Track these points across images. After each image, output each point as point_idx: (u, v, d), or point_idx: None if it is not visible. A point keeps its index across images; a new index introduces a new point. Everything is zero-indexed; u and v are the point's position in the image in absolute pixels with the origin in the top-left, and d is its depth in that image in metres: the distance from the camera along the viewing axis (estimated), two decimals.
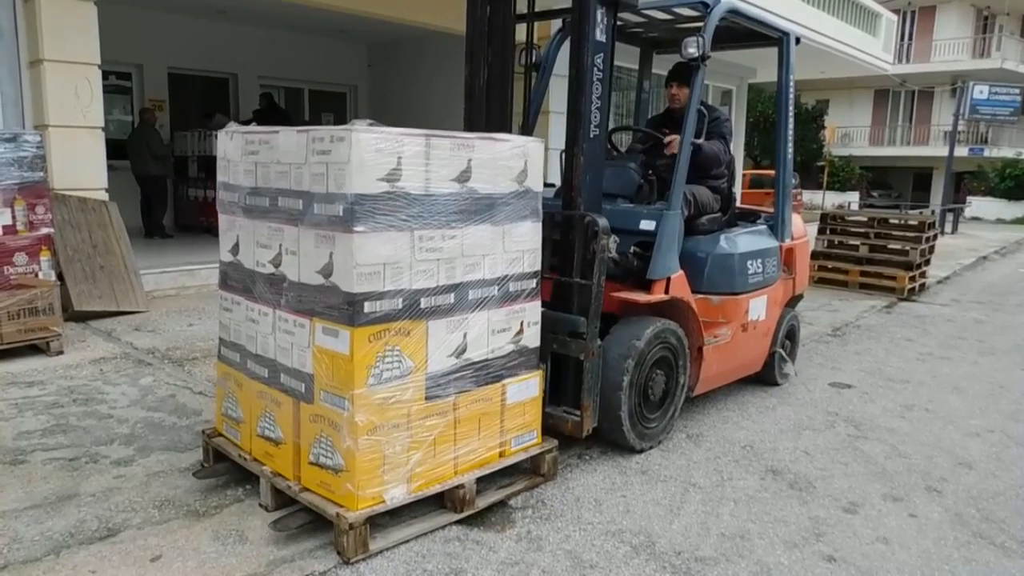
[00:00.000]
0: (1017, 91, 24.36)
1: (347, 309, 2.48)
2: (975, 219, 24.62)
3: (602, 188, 3.57)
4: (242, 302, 2.99)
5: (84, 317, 5.72)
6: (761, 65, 14.34)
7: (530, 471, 3.24)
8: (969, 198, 26.27)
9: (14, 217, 5.08)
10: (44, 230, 5.22)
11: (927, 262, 9.30)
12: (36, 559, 2.52)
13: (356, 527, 2.52)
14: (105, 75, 6.81)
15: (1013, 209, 25.78)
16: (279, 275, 2.77)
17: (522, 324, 3.05)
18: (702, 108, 3.94)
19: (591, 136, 3.42)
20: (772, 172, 5.37)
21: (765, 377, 4.83)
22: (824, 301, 8.18)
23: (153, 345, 5.18)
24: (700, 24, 3.91)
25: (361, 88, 13.43)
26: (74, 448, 3.42)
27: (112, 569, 2.48)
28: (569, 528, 2.89)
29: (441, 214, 2.66)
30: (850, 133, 30.07)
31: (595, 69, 3.39)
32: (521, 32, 3.82)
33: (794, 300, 5.11)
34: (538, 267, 3.10)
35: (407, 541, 2.69)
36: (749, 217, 4.85)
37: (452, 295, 2.74)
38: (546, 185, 3.68)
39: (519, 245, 2.98)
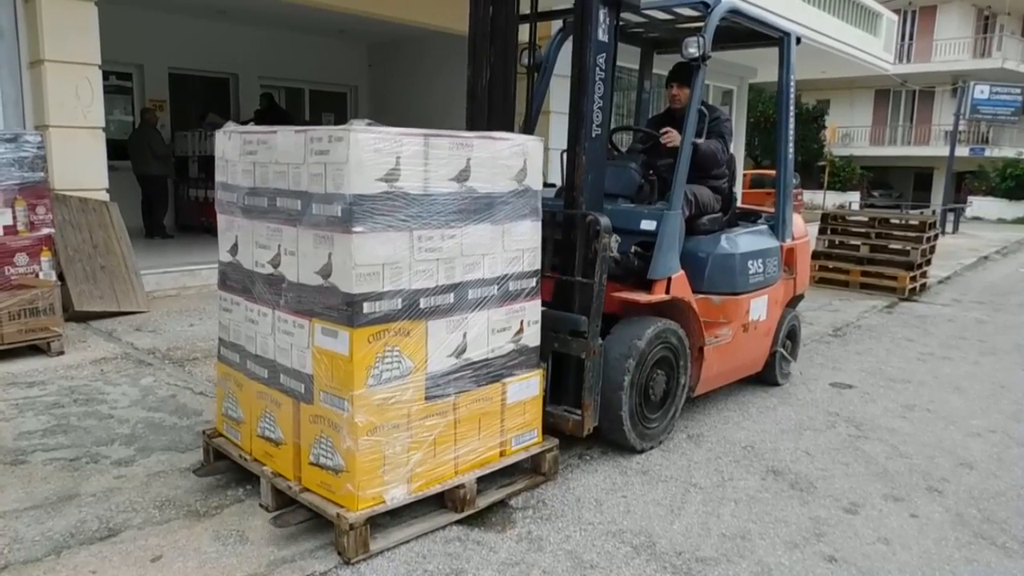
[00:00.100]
0: (1018, 91, 24.35)
1: (346, 310, 2.47)
2: (976, 219, 24.61)
3: (604, 188, 3.57)
4: (241, 302, 2.99)
5: (85, 317, 5.72)
6: (762, 65, 14.34)
7: (531, 470, 3.23)
8: (970, 198, 26.25)
9: (15, 217, 5.08)
10: (45, 230, 5.22)
11: (928, 262, 9.29)
12: (37, 559, 2.52)
13: (356, 527, 2.52)
14: (106, 75, 6.82)
15: (1014, 209, 25.77)
16: (278, 275, 2.76)
17: (522, 323, 3.05)
18: (703, 108, 3.94)
19: (593, 136, 3.42)
20: (773, 172, 5.38)
21: (766, 377, 4.83)
22: (825, 301, 8.17)
23: (154, 345, 5.18)
24: (701, 24, 3.90)
25: (361, 88, 13.43)
26: (75, 448, 3.42)
27: (113, 569, 2.48)
28: (570, 528, 2.89)
29: (440, 214, 2.66)
30: (851, 133, 30.05)
31: (597, 69, 3.39)
32: (522, 32, 3.81)
33: (795, 300, 5.11)
34: (538, 266, 3.10)
35: (407, 541, 2.69)
36: (750, 217, 4.85)
37: (451, 295, 2.74)
38: (547, 185, 3.68)
39: (519, 244, 2.98)
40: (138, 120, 10.33)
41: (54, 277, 5.23)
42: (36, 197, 5.16)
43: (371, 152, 2.43)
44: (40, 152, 5.21)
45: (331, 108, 13.38)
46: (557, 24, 4.53)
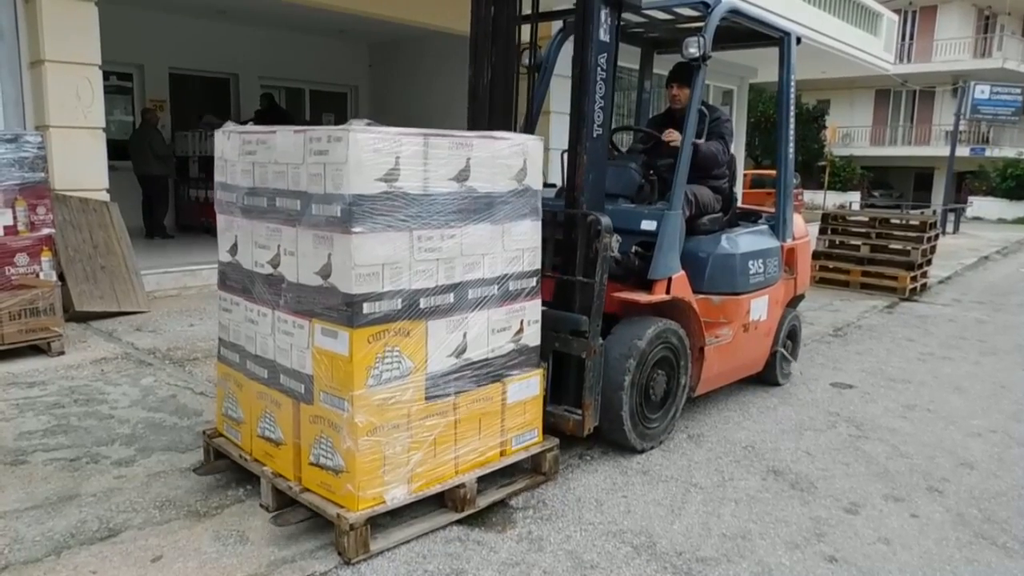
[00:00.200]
0: (1018, 91, 24.34)
1: (346, 310, 2.47)
2: (976, 219, 24.60)
3: (605, 188, 3.57)
4: (241, 303, 2.99)
5: (85, 317, 5.72)
6: (762, 65, 14.34)
7: (531, 470, 3.23)
8: (970, 198, 26.24)
9: (15, 218, 5.08)
10: (45, 231, 5.22)
11: (928, 262, 9.29)
12: (37, 559, 2.52)
13: (357, 528, 2.52)
14: (106, 75, 6.82)
15: (1014, 209, 25.76)
16: (278, 276, 2.76)
17: (522, 323, 3.04)
18: (703, 108, 3.93)
19: (594, 135, 3.42)
20: (773, 172, 5.37)
21: (766, 377, 4.82)
22: (825, 301, 8.17)
23: (154, 345, 5.18)
24: (701, 24, 3.90)
25: (362, 88, 13.43)
26: (75, 448, 3.42)
27: (113, 569, 2.48)
28: (570, 528, 2.89)
29: (440, 214, 2.66)
30: (851, 133, 30.04)
31: (599, 69, 3.39)
32: (523, 32, 3.82)
33: (795, 300, 5.10)
34: (538, 265, 3.10)
35: (408, 541, 2.69)
36: (750, 217, 4.84)
37: (451, 295, 2.74)
38: (547, 185, 3.68)
39: (519, 244, 2.97)
40: (138, 120, 10.33)
41: (54, 277, 5.23)
42: (36, 197, 5.16)
43: (370, 152, 2.43)
44: (40, 152, 5.21)
45: (331, 108, 13.38)
46: (558, 24, 4.53)
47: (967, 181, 27.72)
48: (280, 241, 2.73)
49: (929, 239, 9.08)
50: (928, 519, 3.13)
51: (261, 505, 2.86)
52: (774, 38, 4.60)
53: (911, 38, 28.01)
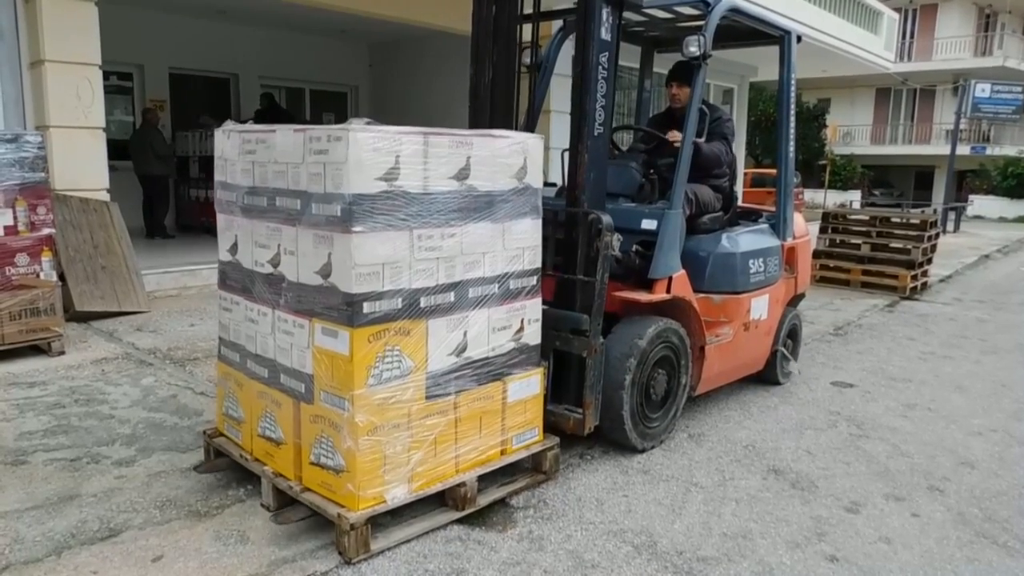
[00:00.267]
0: (1019, 89, 24.33)
1: (346, 310, 2.47)
2: (977, 217, 24.59)
3: (606, 186, 3.57)
4: (241, 302, 2.99)
5: (85, 317, 5.72)
6: (762, 64, 14.33)
7: (532, 469, 3.23)
8: (971, 197, 26.22)
9: (15, 218, 5.08)
10: (45, 231, 5.22)
11: (929, 261, 9.28)
12: (37, 560, 2.52)
13: (357, 527, 2.52)
14: (106, 75, 6.82)
15: (1015, 207, 25.74)
16: (278, 275, 2.76)
17: (523, 322, 3.04)
18: (703, 107, 3.93)
19: (595, 134, 3.42)
20: (774, 171, 5.37)
21: (767, 376, 4.82)
22: (826, 300, 8.16)
23: (154, 345, 5.18)
24: (701, 23, 3.90)
25: (362, 88, 13.43)
26: (75, 448, 3.42)
27: (114, 569, 2.48)
28: (571, 528, 2.89)
29: (440, 212, 2.65)
30: (852, 132, 30.03)
31: (600, 68, 3.39)
32: (524, 32, 3.81)
33: (796, 299, 5.10)
34: (538, 264, 3.10)
35: (408, 541, 2.69)
36: (751, 216, 4.84)
37: (452, 294, 2.74)
38: (547, 184, 3.68)
39: (519, 242, 2.97)
40: (138, 120, 10.33)
41: (55, 277, 5.23)
42: (37, 197, 5.16)
43: (370, 151, 2.43)
44: (41, 152, 5.21)
45: (332, 108, 13.39)
46: (558, 23, 4.52)
47: (968, 180, 27.70)
48: (280, 240, 2.73)
49: (930, 238, 9.08)
50: (929, 518, 3.12)
51: (262, 505, 2.86)
52: (774, 37, 4.60)
53: (912, 37, 28.00)
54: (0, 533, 2.68)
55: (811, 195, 24.71)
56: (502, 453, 3.04)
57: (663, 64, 4.87)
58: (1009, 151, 26.87)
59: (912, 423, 4.30)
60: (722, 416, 4.27)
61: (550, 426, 3.32)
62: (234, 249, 3.01)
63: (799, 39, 4.71)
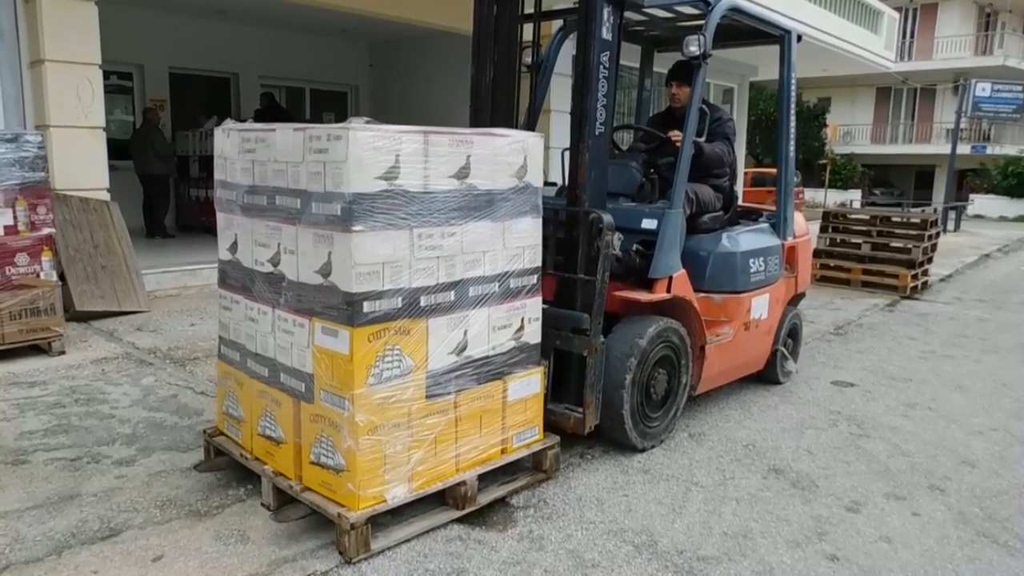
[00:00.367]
0: (1020, 88, 24.30)
1: (346, 309, 2.47)
2: (977, 217, 24.57)
3: (607, 186, 3.57)
4: (241, 301, 2.99)
5: (86, 317, 5.72)
6: (762, 63, 14.33)
7: (532, 468, 3.23)
8: (971, 196, 26.21)
9: (16, 217, 5.08)
10: (45, 230, 5.22)
11: (929, 260, 9.28)
12: (38, 559, 2.52)
13: (358, 527, 2.51)
14: (106, 75, 6.82)
15: (1016, 207, 25.73)
16: (278, 274, 2.76)
17: (523, 320, 3.04)
18: (704, 107, 3.93)
19: (596, 134, 3.42)
20: (774, 170, 5.36)
21: (767, 376, 4.82)
22: (826, 299, 8.16)
23: (155, 345, 5.18)
24: (701, 22, 3.89)
25: (362, 88, 13.43)
26: (76, 448, 3.42)
27: (114, 569, 2.48)
28: (571, 527, 2.88)
29: (440, 211, 2.65)
30: (852, 131, 30.02)
31: (601, 67, 3.39)
32: (525, 31, 3.81)
33: (796, 298, 5.10)
34: (539, 263, 3.10)
35: (409, 540, 2.69)
36: (751, 215, 4.84)
37: (452, 293, 2.73)
38: (547, 184, 3.68)
39: (519, 241, 2.97)
40: (138, 120, 10.33)
41: (55, 277, 5.23)
42: (37, 197, 5.15)
43: (370, 150, 2.43)
44: (41, 152, 5.21)
45: (332, 108, 13.38)
46: (558, 23, 4.52)
47: (968, 179, 27.69)
48: (280, 239, 2.73)
49: (930, 237, 9.07)
50: (929, 517, 3.12)
51: (262, 504, 2.86)
52: (775, 36, 4.60)
53: (912, 36, 27.98)
54: (0, 533, 2.68)
55: (811, 194, 24.70)
56: (502, 452, 3.04)
57: (663, 63, 4.86)
58: (1009, 150, 26.86)
59: (913, 422, 4.30)
60: (722, 415, 4.27)
61: (550, 425, 3.31)
62: (234, 248, 3.01)
63: (799, 38, 4.70)
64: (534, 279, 3.07)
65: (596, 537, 2.82)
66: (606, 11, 3.37)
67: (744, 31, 4.47)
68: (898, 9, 18.34)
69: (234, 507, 2.91)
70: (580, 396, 3.35)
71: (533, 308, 3.09)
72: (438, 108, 10.29)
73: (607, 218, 3.29)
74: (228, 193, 3.00)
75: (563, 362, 3.43)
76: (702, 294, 3.97)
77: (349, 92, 13.50)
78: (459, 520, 2.84)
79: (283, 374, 2.78)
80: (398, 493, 2.64)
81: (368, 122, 2.45)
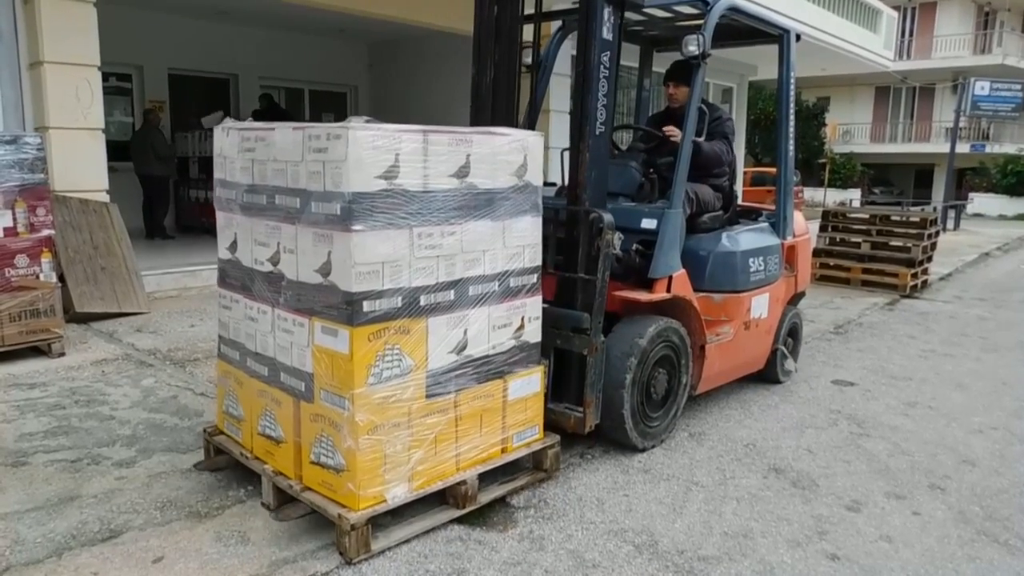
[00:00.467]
0: (1019, 87, 24.31)
1: (346, 308, 2.47)
2: (977, 215, 24.57)
3: (607, 185, 3.57)
4: (241, 300, 2.99)
5: (85, 319, 5.72)
6: (761, 62, 14.33)
7: (532, 468, 3.23)
8: (971, 194, 26.21)
9: (15, 219, 5.07)
10: (45, 232, 5.21)
11: (929, 259, 9.28)
12: (38, 561, 2.52)
13: (358, 527, 2.51)
14: (105, 76, 6.81)
15: (1015, 205, 25.73)
16: (277, 273, 2.76)
17: (523, 319, 3.04)
18: (703, 106, 3.93)
19: (597, 133, 3.42)
20: (773, 170, 5.35)
21: (767, 375, 4.82)
22: (826, 299, 8.16)
23: (155, 346, 5.18)
24: (700, 22, 3.89)
25: (362, 88, 13.43)
26: (76, 450, 3.42)
27: (114, 571, 2.47)
28: (571, 527, 2.88)
29: (440, 210, 2.65)
30: (851, 130, 30.02)
31: (602, 67, 3.39)
32: (525, 32, 3.81)
33: (796, 298, 5.10)
34: (539, 262, 3.09)
35: (409, 540, 2.68)
36: (751, 215, 4.83)
37: (452, 292, 2.73)
38: (546, 184, 3.68)
39: (519, 240, 2.97)
40: (138, 121, 10.33)
41: (54, 278, 5.22)
42: (36, 198, 5.15)
43: (370, 149, 2.42)
44: (40, 154, 5.21)
45: (331, 108, 13.39)
46: (557, 23, 4.52)
47: (967, 178, 27.69)
48: (280, 239, 2.72)
49: (930, 236, 9.07)
50: (930, 517, 3.12)
51: (262, 504, 2.86)
52: (773, 35, 4.59)
53: (911, 35, 27.99)
54: (1, 534, 2.67)
55: (811, 193, 24.70)
56: (503, 451, 3.04)
57: (662, 63, 4.86)
58: (1009, 149, 26.85)
59: (913, 421, 4.30)
60: (723, 415, 4.27)
61: (551, 425, 3.31)
62: (233, 247, 3.01)
63: (798, 38, 4.70)
64: (534, 278, 3.07)
65: (597, 537, 2.82)
66: (607, 11, 3.38)
67: (743, 31, 4.47)
68: (897, 8, 18.35)
69: (234, 508, 2.91)
70: (580, 395, 3.35)
71: (533, 307, 3.09)
72: (438, 108, 10.29)
73: (607, 217, 3.29)
74: (227, 192, 3.00)
75: (563, 361, 3.43)
76: (702, 294, 3.97)
77: (348, 93, 13.49)
78: (459, 521, 2.84)
79: (283, 373, 2.78)
80: (398, 493, 2.64)
81: (368, 121, 2.45)
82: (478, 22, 3.59)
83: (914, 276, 8.71)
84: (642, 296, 3.64)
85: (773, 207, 4.86)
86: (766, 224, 4.66)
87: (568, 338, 3.35)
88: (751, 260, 4.24)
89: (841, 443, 3.91)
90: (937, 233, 9.53)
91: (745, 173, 18.07)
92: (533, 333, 3.11)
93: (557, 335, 3.35)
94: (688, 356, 3.82)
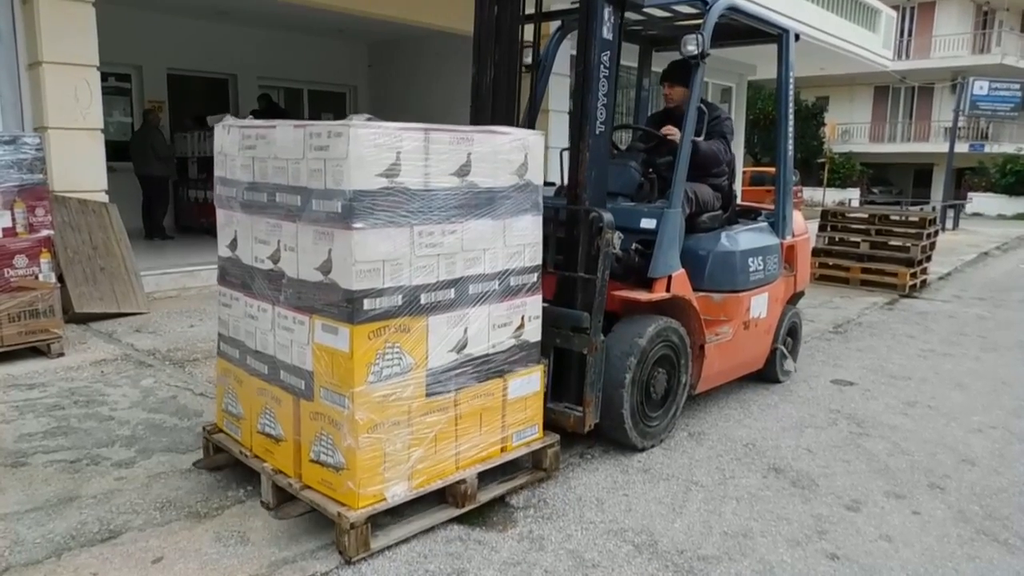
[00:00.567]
0: (1017, 86, 24.28)
1: (346, 307, 2.46)
2: (976, 215, 24.58)
3: (607, 185, 3.57)
4: (241, 298, 2.98)
5: (85, 319, 5.71)
6: (761, 62, 14.34)
7: (532, 467, 3.23)
8: (970, 194, 26.21)
9: (14, 219, 5.08)
10: (44, 232, 5.22)
11: (928, 258, 9.28)
12: (37, 561, 2.51)
13: (357, 526, 2.51)
14: (104, 76, 6.81)
15: (1014, 205, 25.74)
16: (278, 271, 2.76)
17: (523, 318, 3.04)
18: (702, 106, 3.93)
19: (597, 133, 3.42)
20: (772, 169, 5.35)
21: (767, 375, 4.82)
22: (825, 298, 8.16)
23: (154, 346, 5.17)
24: (699, 21, 3.89)
25: (361, 88, 13.42)
26: (75, 450, 3.41)
27: (114, 571, 2.47)
28: (571, 527, 2.88)
29: (441, 209, 2.65)
30: (850, 130, 30.04)
31: (602, 67, 3.40)
32: (525, 32, 3.81)
33: (795, 297, 5.10)
34: (539, 261, 3.09)
35: (408, 539, 2.68)
36: (750, 214, 4.83)
37: (452, 290, 2.73)
38: (546, 184, 3.68)
39: (520, 239, 2.97)
40: (137, 121, 10.32)
41: (54, 279, 5.23)
42: (35, 199, 5.15)
43: (371, 147, 2.42)
44: (39, 154, 5.21)
45: (330, 108, 13.38)
46: (557, 23, 4.52)
47: (966, 177, 27.70)
48: (280, 236, 2.72)
49: (929, 235, 9.08)
50: (929, 516, 3.12)
51: (262, 502, 2.85)
52: (772, 35, 4.60)
53: (910, 34, 28.01)
54: (0, 535, 2.67)
55: (810, 193, 24.72)
56: (502, 450, 3.04)
57: (661, 63, 4.86)
58: (1007, 148, 26.87)
59: (912, 421, 4.30)
60: (722, 415, 4.26)
61: (550, 424, 3.31)
62: (233, 245, 3.01)
63: (797, 37, 4.70)
64: (534, 277, 3.07)
65: (596, 537, 2.82)
66: (607, 11, 3.38)
67: (742, 30, 4.47)
68: (896, 8, 18.35)
69: (234, 508, 2.90)
70: (580, 395, 3.35)
71: (533, 306, 3.09)
72: (437, 108, 10.29)
73: (607, 217, 3.29)
74: (228, 190, 2.99)
75: (563, 361, 3.43)
76: (701, 293, 3.97)
77: (348, 93, 13.49)
78: (459, 520, 2.83)
79: (283, 371, 2.78)
80: (398, 491, 2.64)
81: (369, 119, 2.44)
82: (478, 22, 3.60)
83: (913, 276, 8.71)
84: (642, 296, 3.64)
85: (772, 207, 4.86)
86: (765, 224, 4.66)
87: (568, 337, 3.35)
88: (750, 260, 4.25)
89: (841, 442, 3.91)
90: (936, 233, 9.54)
91: (744, 173, 18.07)
92: (533, 332, 3.11)
93: (557, 334, 3.35)
94: (687, 356, 3.82)
